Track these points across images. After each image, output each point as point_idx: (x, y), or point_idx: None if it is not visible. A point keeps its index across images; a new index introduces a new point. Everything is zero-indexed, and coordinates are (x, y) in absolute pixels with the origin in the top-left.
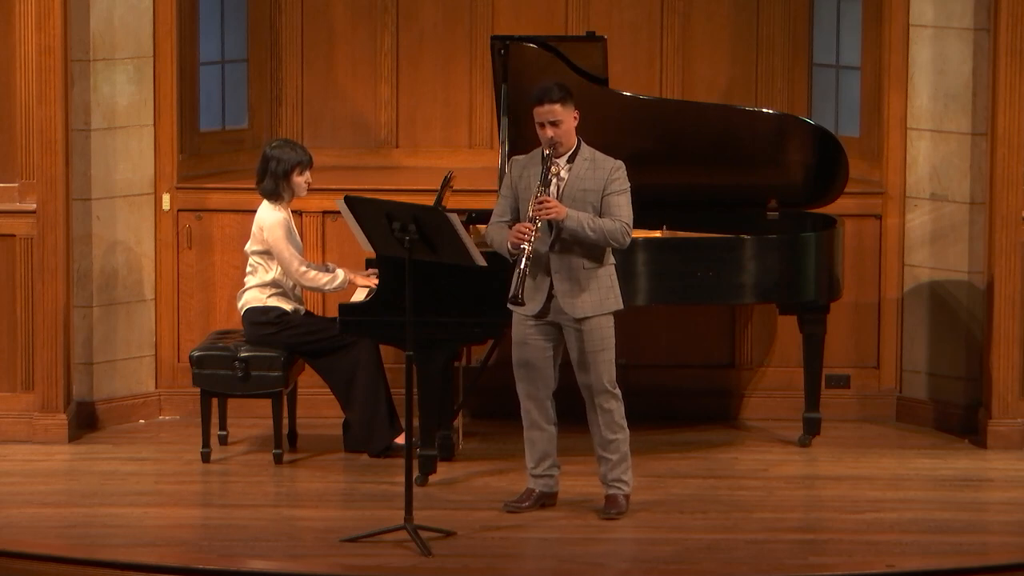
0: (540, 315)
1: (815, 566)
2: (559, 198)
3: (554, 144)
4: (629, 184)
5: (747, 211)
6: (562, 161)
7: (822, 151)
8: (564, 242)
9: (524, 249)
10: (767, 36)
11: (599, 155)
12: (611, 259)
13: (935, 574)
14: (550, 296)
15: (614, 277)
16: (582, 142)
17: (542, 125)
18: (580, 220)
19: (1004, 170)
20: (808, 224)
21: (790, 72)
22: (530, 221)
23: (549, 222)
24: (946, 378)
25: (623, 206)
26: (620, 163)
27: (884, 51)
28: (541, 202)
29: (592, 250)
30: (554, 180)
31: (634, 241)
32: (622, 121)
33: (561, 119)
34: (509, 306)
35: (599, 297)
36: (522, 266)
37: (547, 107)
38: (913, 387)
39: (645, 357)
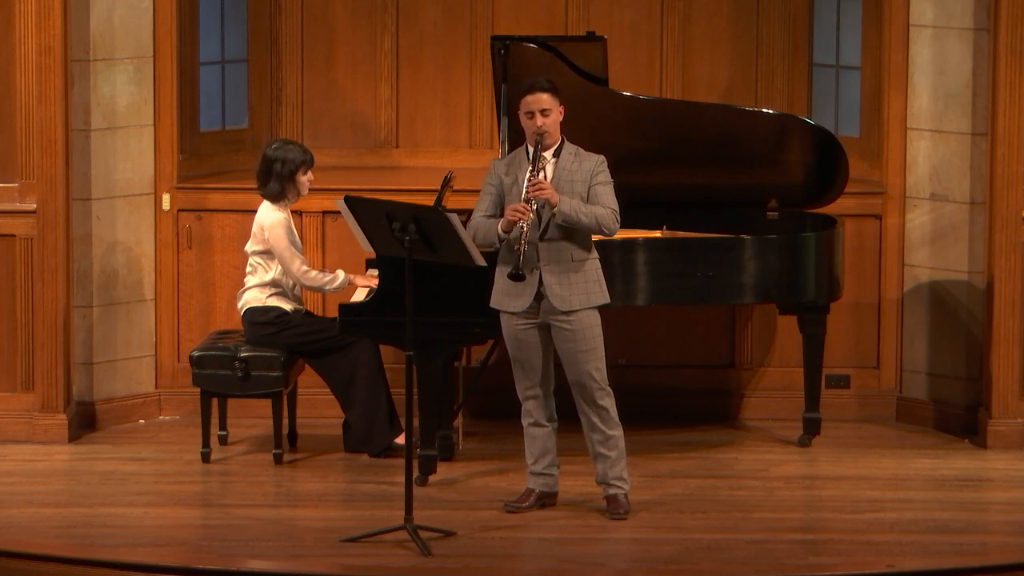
0: (528, 314)
1: (815, 566)
2: None
3: (542, 133)
4: (612, 179)
5: (747, 211)
6: (548, 155)
7: (822, 151)
8: (553, 233)
9: (522, 228)
10: (767, 36)
11: (582, 150)
12: (595, 252)
13: (935, 574)
14: (538, 293)
15: (599, 271)
16: (565, 139)
17: (531, 115)
18: (573, 205)
19: (1004, 170)
20: (808, 224)
21: (790, 72)
22: (526, 202)
23: (539, 214)
24: (946, 378)
25: (609, 195)
26: (602, 157)
27: (884, 51)
28: (535, 184)
29: (580, 241)
30: (541, 171)
31: (634, 241)
32: (622, 121)
33: (550, 109)
34: (508, 278)
35: (586, 290)
36: (523, 244)
37: (537, 95)
38: (913, 387)
39: (645, 357)
